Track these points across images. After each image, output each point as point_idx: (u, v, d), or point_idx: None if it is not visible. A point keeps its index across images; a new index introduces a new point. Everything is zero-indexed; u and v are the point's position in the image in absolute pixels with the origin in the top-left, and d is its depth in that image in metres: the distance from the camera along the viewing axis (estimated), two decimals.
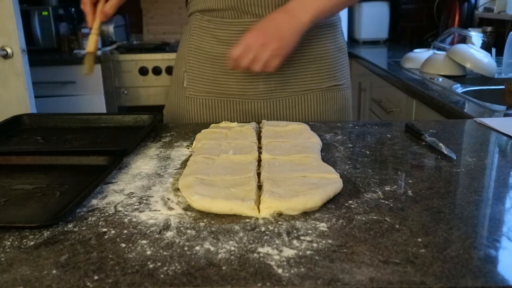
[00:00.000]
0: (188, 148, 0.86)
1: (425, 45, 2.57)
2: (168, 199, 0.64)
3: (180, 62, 1.17)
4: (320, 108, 1.13)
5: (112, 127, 1.01)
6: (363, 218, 0.57)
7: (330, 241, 0.52)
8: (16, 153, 0.80)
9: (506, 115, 1.18)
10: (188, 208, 0.61)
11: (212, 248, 0.51)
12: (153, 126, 0.96)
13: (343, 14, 2.94)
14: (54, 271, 0.47)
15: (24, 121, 1.02)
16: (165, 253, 0.50)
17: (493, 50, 1.90)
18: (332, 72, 1.14)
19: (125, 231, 0.55)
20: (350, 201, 0.62)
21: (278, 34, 0.92)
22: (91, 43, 1.04)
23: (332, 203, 0.61)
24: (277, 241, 0.52)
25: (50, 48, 2.84)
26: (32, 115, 1.06)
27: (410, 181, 0.69)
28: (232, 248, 0.51)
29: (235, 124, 0.94)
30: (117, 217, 0.59)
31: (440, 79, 1.70)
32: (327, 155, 0.80)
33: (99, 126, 1.01)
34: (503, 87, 1.38)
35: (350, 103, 1.21)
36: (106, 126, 1.01)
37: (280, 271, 0.46)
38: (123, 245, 0.52)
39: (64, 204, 0.60)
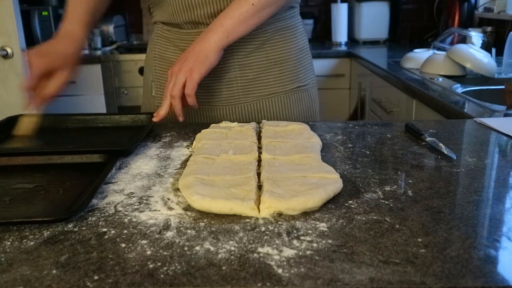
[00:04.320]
0: (188, 148, 0.86)
1: (425, 45, 2.57)
2: (168, 199, 0.64)
3: (148, 71, 1.20)
4: (286, 111, 1.13)
5: (110, 127, 1.00)
6: (363, 218, 0.57)
7: (330, 241, 0.52)
8: (15, 154, 0.79)
9: (506, 115, 1.18)
10: (188, 208, 0.61)
11: (212, 248, 0.51)
12: (152, 126, 0.96)
13: (343, 14, 2.94)
14: (54, 271, 0.47)
15: None
16: (165, 253, 0.50)
17: (493, 50, 1.90)
18: (295, 73, 1.13)
19: (125, 231, 0.55)
20: (350, 201, 0.62)
21: (193, 57, 0.96)
22: (29, 125, 0.94)
23: (332, 203, 0.61)
24: (277, 241, 0.52)
25: None
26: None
27: (410, 181, 0.69)
28: (232, 248, 0.51)
29: (235, 124, 0.94)
30: (117, 217, 0.59)
31: (440, 79, 1.70)
32: (327, 155, 0.80)
33: (97, 127, 1.01)
34: (503, 87, 1.38)
35: (317, 102, 1.21)
36: (104, 126, 1.01)
37: (280, 271, 0.46)
38: (123, 245, 0.52)
39: (74, 199, 0.61)
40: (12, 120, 0.99)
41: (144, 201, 0.63)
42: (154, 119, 0.95)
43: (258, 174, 0.69)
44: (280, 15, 1.09)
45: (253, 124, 0.93)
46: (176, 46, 1.11)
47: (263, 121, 0.96)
